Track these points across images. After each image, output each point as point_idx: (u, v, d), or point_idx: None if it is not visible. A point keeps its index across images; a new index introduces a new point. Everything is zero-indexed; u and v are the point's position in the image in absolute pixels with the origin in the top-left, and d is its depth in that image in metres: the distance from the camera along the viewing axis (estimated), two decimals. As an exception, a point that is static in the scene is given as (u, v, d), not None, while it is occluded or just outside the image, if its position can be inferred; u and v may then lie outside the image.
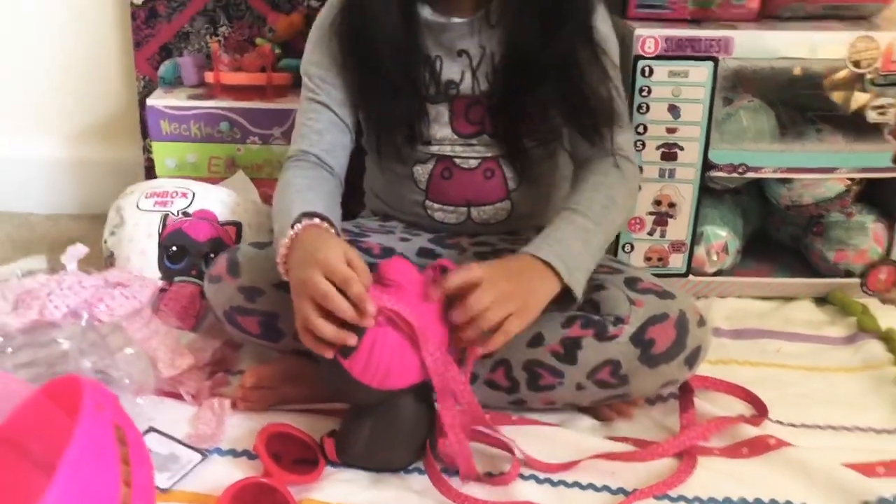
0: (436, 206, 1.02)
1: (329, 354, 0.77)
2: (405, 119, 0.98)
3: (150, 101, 1.23)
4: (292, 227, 0.84)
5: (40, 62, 1.41)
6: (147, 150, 1.36)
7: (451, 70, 0.97)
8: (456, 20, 0.95)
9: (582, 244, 0.90)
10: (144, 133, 1.36)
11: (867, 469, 0.88)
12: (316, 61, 1.00)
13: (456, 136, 0.99)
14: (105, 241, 1.08)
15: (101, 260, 1.11)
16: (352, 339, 0.76)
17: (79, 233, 1.37)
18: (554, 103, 0.96)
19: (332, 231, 0.85)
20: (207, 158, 1.25)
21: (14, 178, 1.45)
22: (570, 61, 0.93)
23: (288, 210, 0.89)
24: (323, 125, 0.99)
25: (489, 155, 0.99)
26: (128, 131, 1.42)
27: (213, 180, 1.22)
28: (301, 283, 0.78)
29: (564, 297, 0.86)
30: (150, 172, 1.36)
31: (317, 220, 0.85)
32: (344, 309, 0.75)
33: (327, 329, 0.76)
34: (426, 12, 0.95)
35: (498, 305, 0.79)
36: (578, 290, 0.86)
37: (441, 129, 0.99)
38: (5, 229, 1.38)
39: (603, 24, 0.98)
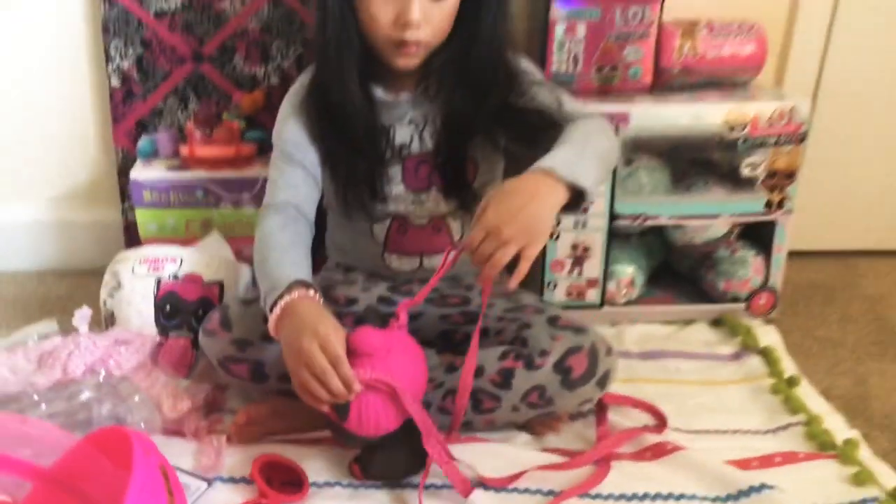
0: (393, 256, 1.17)
1: (324, 409, 0.91)
2: (367, 179, 1.12)
3: (133, 175, 1.33)
4: (287, 292, 0.95)
5: (27, 136, 1.49)
6: (125, 213, 1.48)
7: (402, 136, 1.13)
8: (403, 96, 1.12)
9: (574, 154, 0.97)
10: (123, 198, 1.47)
11: (744, 464, 1.04)
12: (289, 131, 1.12)
13: (408, 192, 1.14)
14: (104, 303, 1.20)
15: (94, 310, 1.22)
16: (342, 399, 0.90)
17: (65, 289, 1.48)
18: (505, 138, 1.11)
19: (322, 302, 0.97)
20: (185, 222, 1.35)
21: (2, 241, 1.53)
22: (506, 114, 1.08)
23: (276, 268, 1.00)
24: (298, 180, 1.11)
25: (437, 214, 1.16)
26: (108, 196, 1.51)
27: (191, 240, 1.33)
28: (298, 351, 0.89)
29: (576, 197, 0.94)
30: (128, 233, 1.48)
31: (311, 293, 0.96)
32: (336, 391, 0.88)
33: (324, 394, 0.89)
34: (379, 92, 1.11)
35: (507, 225, 0.89)
36: (585, 181, 0.92)
37: (395, 186, 1.14)
38: None
39: (524, 65, 1.13)
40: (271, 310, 0.96)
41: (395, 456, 0.99)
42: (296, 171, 1.11)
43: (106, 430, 0.84)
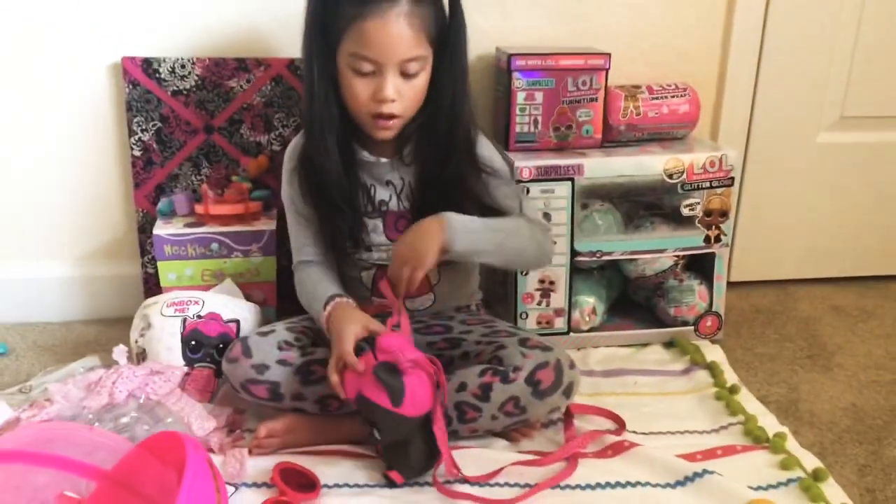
0: (378, 301, 1.32)
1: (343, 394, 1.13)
2: (350, 231, 1.30)
3: (156, 231, 1.47)
4: (324, 307, 1.21)
5: (57, 201, 1.61)
6: (144, 266, 1.62)
7: (382, 194, 1.30)
8: (383, 160, 1.30)
9: (479, 226, 1.21)
10: (142, 253, 1.62)
11: (690, 456, 1.20)
12: (292, 190, 1.32)
13: (389, 242, 1.31)
14: (136, 342, 1.35)
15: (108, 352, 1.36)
16: (359, 367, 1.11)
17: (92, 335, 1.61)
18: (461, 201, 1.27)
19: (353, 303, 1.23)
20: (201, 271, 1.50)
21: (32, 295, 1.66)
22: (460, 181, 1.26)
23: (318, 296, 1.25)
24: (311, 238, 1.32)
25: None
26: (128, 253, 1.65)
27: (206, 287, 1.48)
28: (339, 341, 1.15)
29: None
30: (147, 284, 1.63)
31: (344, 299, 1.23)
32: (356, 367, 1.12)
33: (353, 359, 1.12)
34: (363, 154, 1.30)
35: (401, 265, 1.16)
36: (459, 245, 1.17)
37: (377, 236, 1.31)
38: (31, 336, 1.61)
39: (485, 150, 1.30)
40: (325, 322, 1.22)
41: (419, 448, 1.14)
42: (307, 230, 1.33)
43: (157, 435, 1.00)
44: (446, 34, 1.23)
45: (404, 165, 1.30)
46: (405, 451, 1.15)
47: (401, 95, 1.21)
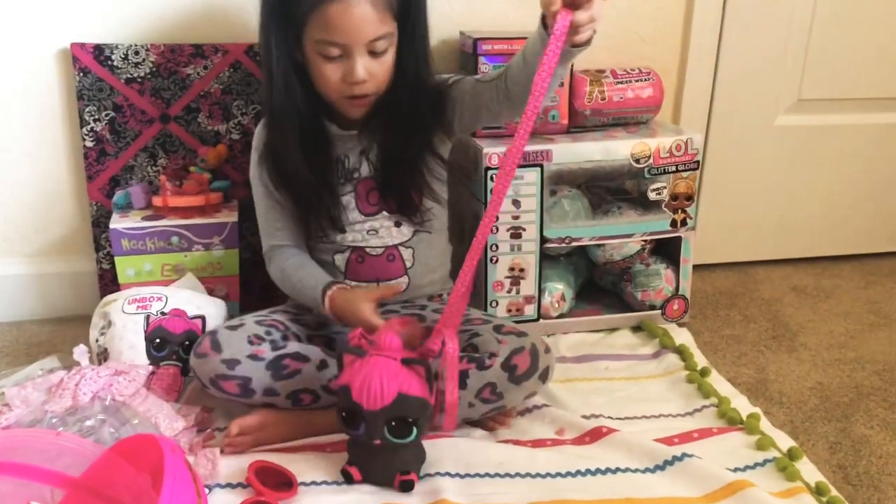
0: (352, 283, 1.32)
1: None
2: (326, 210, 1.29)
3: (112, 225, 1.42)
4: (323, 294, 1.23)
5: (3, 196, 1.56)
6: (100, 262, 1.57)
7: (353, 162, 1.30)
8: (353, 132, 1.30)
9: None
10: (97, 248, 1.56)
11: (668, 440, 1.21)
12: (260, 175, 1.31)
13: (362, 217, 1.31)
14: (96, 341, 1.30)
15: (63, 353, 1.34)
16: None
17: (46, 335, 1.55)
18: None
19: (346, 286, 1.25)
20: (161, 265, 1.45)
21: None
22: (428, 147, 1.30)
23: (310, 280, 1.26)
24: (281, 222, 1.32)
25: (389, 244, 1.32)
26: (82, 248, 1.59)
27: (166, 283, 1.43)
28: (355, 314, 1.19)
29: None
30: (102, 280, 1.57)
31: (337, 286, 1.24)
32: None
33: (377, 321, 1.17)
34: (333, 129, 1.30)
35: None
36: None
37: (352, 213, 1.31)
38: None
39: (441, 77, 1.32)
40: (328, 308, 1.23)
41: (388, 459, 1.11)
42: (278, 213, 1.32)
43: (130, 438, 0.96)
44: (407, 6, 1.22)
45: (371, 135, 1.30)
46: (377, 456, 1.12)
47: (371, 74, 1.21)
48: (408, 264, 1.34)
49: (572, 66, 1.52)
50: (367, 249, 1.32)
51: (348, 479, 1.12)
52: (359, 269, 1.33)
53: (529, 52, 1.14)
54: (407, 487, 1.10)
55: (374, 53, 1.20)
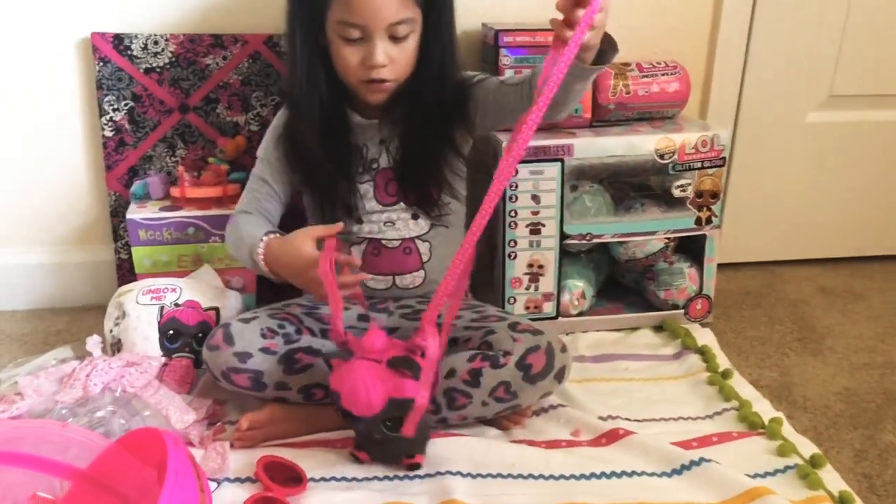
0: (369, 276, 1.31)
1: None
2: (343, 198, 1.28)
3: (129, 215, 1.42)
4: (262, 239, 1.19)
5: (24, 185, 1.56)
6: (118, 252, 1.57)
7: (373, 152, 1.29)
8: (374, 121, 1.29)
9: None
10: (115, 238, 1.57)
11: (686, 444, 1.18)
12: (269, 152, 1.32)
13: (380, 207, 1.30)
14: (110, 331, 1.30)
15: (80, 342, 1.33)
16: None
17: (63, 324, 1.56)
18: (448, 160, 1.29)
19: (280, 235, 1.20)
20: (177, 256, 1.44)
21: (1, 283, 1.60)
22: (449, 141, 1.29)
23: (249, 236, 1.22)
24: (262, 196, 1.31)
25: (406, 236, 1.31)
26: (101, 238, 1.60)
27: (182, 273, 1.43)
28: (303, 277, 1.15)
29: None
30: (120, 270, 1.57)
31: (275, 235, 1.20)
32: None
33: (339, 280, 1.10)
34: (354, 118, 1.29)
35: None
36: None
37: (369, 202, 1.29)
38: None
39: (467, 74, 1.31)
40: (260, 261, 1.20)
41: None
42: (263, 188, 1.32)
43: (136, 431, 0.95)
44: None
45: (392, 123, 1.29)
46: (381, 444, 1.11)
47: (391, 60, 1.20)
48: (424, 258, 1.32)
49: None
50: (384, 241, 1.31)
51: (357, 461, 1.12)
52: (375, 262, 1.31)
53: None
54: (414, 468, 1.11)
55: (394, 39, 1.19)
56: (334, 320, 1.10)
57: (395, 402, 1.06)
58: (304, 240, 1.17)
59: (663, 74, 1.54)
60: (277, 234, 1.23)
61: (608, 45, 1.11)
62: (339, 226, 1.19)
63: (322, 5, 1.19)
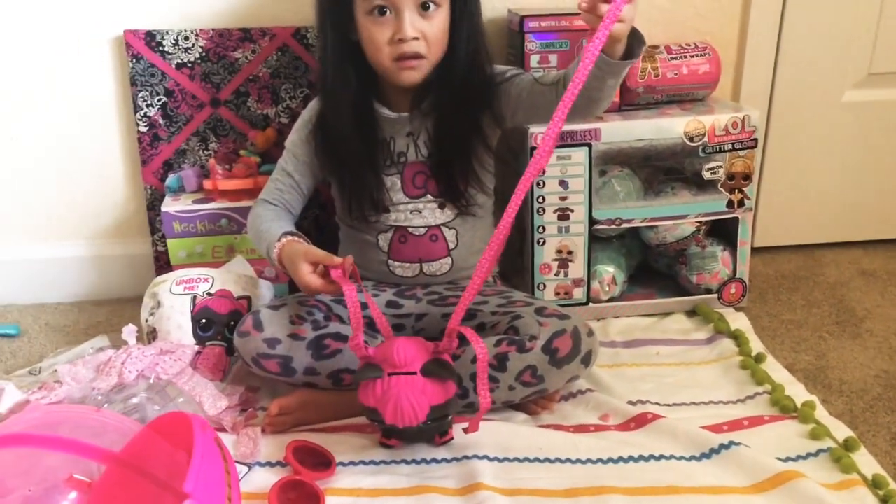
0: (396, 264, 1.33)
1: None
2: (370, 191, 1.30)
3: (164, 208, 1.45)
4: (279, 239, 1.20)
5: (63, 181, 1.60)
6: (155, 245, 1.60)
7: (400, 145, 1.30)
8: (403, 114, 1.29)
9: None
10: (152, 231, 1.60)
11: (716, 428, 1.16)
12: (296, 144, 1.34)
13: (407, 198, 1.31)
14: (146, 321, 1.33)
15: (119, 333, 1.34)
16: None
17: (104, 315, 1.60)
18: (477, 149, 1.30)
19: (302, 240, 1.21)
20: (211, 248, 1.48)
21: (44, 276, 1.65)
22: (478, 129, 1.29)
23: (268, 231, 1.24)
24: (286, 188, 1.33)
25: (433, 223, 1.32)
26: (138, 231, 1.64)
27: (217, 264, 1.46)
28: (294, 272, 1.15)
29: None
30: (157, 262, 1.61)
31: (294, 237, 1.21)
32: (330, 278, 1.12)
33: (318, 283, 1.13)
34: (383, 111, 1.29)
35: None
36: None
37: (396, 194, 1.31)
38: (44, 318, 1.60)
39: (498, 69, 1.31)
40: (275, 260, 1.21)
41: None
42: (286, 181, 1.34)
43: (165, 416, 0.98)
44: None
45: (422, 116, 1.30)
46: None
47: (421, 33, 1.21)
48: (451, 245, 1.33)
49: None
50: (410, 229, 1.32)
51: (387, 447, 1.15)
52: (402, 249, 1.32)
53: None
54: (447, 443, 1.15)
55: (423, 11, 1.20)
56: (355, 333, 1.09)
57: (436, 408, 1.07)
58: (303, 265, 1.15)
59: (693, 56, 1.52)
60: (293, 238, 1.22)
61: (635, 40, 1.11)
62: (346, 262, 1.13)
63: None
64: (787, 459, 1.11)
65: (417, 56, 1.21)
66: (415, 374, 1.06)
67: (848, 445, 1.13)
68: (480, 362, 1.08)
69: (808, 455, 1.12)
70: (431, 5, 1.20)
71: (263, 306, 1.26)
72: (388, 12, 1.20)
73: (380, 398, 1.06)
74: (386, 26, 1.20)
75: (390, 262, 1.33)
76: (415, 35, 1.19)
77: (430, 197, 1.31)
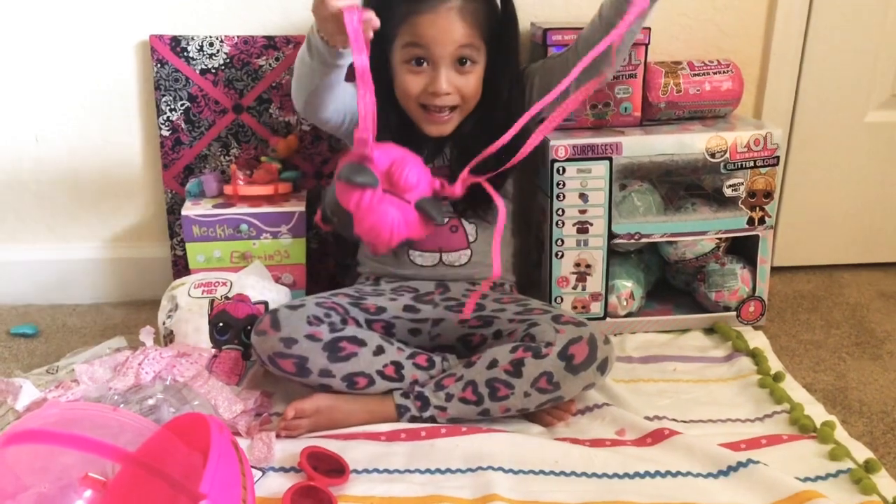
0: (416, 253, 1.36)
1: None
2: None
3: (184, 212, 1.45)
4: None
5: (85, 183, 1.62)
6: (174, 248, 1.61)
7: (431, 150, 1.33)
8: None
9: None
10: (171, 235, 1.61)
11: (734, 446, 1.15)
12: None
13: None
14: (163, 324, 1.33)
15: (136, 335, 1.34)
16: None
17: (120, 318, 1.61)
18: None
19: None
20: (230, 253, 1.48)
21: (63, 277, 1.66)
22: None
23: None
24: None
25: (453, 215, 1.34)
26: (157, 235, 1.65)
27: (235, 269, 1.45)
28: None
29: None
30: (176, 266, 1.62)
31: None
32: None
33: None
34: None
35: None
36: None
37: None
38: (61, 318, 1.61)
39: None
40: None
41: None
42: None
43: (182, 416, 0.98)
44: (499, 30, 1.27)
45: (455, 136, 1.33)
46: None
47: (455, 88, 1.24)
48: (470, 238, 1.36)
49: (646, 56, 1.48)
50: None
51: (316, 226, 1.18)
52: (422, 240, 1.30)
53: (607, 6, 1.18)
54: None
55: (460, 66, 1.24)
56: (363, 116, 1.00)
57: (408, 241, 1.07)
58: None
59: (715, 73, 1.52)
60: None
61: None
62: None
63: (390, 36, 1.22)
64: (806, 479, 1.09)
65: (444, 110, 1.25)
66: (409, 203, 1.03)
67: (868, 467, 1.12)
68: (501, 215, 1.10)
69: (828, 475, 1.11)
70: (468, 61, 1.24)
71: (282, 305, 1.26)
72: (424, 63, 1.23)
73: (363, 209, 1.03)
74: (421, 77, 1.24)
75: (410, 251, 1.35)
76: (448, 91, 1.23)
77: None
